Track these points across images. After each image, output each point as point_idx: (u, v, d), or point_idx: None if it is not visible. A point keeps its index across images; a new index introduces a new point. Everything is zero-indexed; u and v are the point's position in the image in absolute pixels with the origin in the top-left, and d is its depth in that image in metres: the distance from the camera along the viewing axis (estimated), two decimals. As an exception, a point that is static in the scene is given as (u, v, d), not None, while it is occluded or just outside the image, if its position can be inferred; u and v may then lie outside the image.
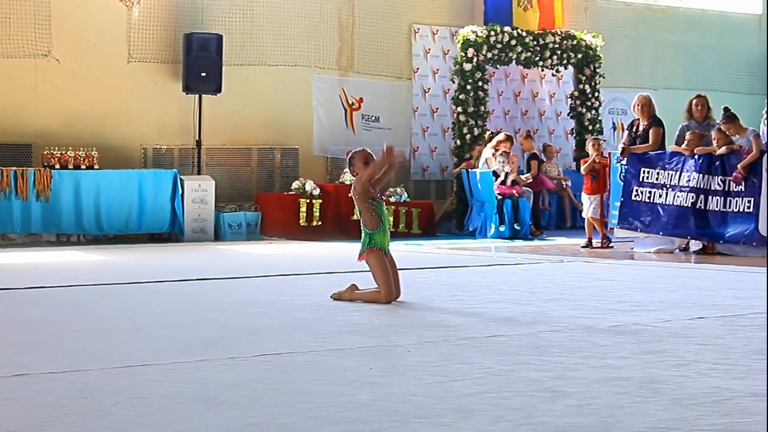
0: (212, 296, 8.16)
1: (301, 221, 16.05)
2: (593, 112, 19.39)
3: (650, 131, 13.51)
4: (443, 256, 12.75)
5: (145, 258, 12.32)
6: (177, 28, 16.33)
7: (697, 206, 12.83)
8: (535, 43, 18.62)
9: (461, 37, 18.11)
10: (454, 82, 18.34)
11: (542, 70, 19.55)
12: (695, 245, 13.07)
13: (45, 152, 14.65)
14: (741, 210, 12.48)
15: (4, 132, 15.23)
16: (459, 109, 18.10)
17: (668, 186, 13.15)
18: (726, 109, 12.70)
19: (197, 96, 16.10)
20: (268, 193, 16.75)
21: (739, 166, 12.38)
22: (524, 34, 18.50)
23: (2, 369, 4.80)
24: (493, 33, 18.12)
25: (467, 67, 17.99)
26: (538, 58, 18.77)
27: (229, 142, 16.90)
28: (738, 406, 4.04)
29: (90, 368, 4.84)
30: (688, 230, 12.98)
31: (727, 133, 12.65)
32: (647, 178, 13.36)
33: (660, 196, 13.23)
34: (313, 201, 16.11)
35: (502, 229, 15.89)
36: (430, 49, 18.93)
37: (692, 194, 12.87)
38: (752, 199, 12.37)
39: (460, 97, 18.09)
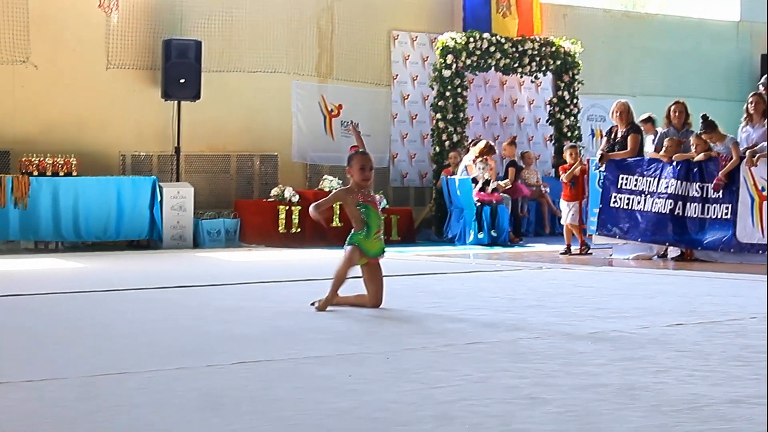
0: (191, 304, 8.14)
1: (280, 228, 16.02)
2: (572, 118, 19.45)
3: (628, 138, 13.53)
4: (422, 263, 12.75)
5: (123, 265, 12.29)
6: (156, 34, 16.30)
7: (676, 213, 12.86)
8: (514, 49, 18.65)
9: (440, 44, 18.13)
10: (433, 89, 18.37)
11: (521, 77, 19.61)
12: (673, 252, 13.11)
13: (23, 159, 14.60)
14: (719, 217, 12.51)
15: (-18, 139, 15.19)
16: (438, 115, 18.12)
17: (647, 192, 13.17)
18: (704, 117, 12.68)
19: (176, 102, 16.07)
20: (247, 200, 16.71)
21: (720, 173, 12.42)
22: (503, 40, 18.54)
23: (-21, 377, 4.77)
24: (472, 39, 18.14)
25: (446, 73, 18.01)
26: (517, 65, 18.81)
27: (208, 149, 16.87)
28: (716, 412, 4.06)
29: (68, 376, 4.81)
30: (667, 237, 13.00)
31: (707, 140, 12.67)
32: (626, 184, 13.38)
33: (638, 202, 13.26)
34: (292, 208, 16.08)
35: (481, 236, 15.91)
36: (409, 56, 18.95)
37: (670, 201, 12.90)
38: (730, 206, 12.41)
39: (439, 103, 18.11)
